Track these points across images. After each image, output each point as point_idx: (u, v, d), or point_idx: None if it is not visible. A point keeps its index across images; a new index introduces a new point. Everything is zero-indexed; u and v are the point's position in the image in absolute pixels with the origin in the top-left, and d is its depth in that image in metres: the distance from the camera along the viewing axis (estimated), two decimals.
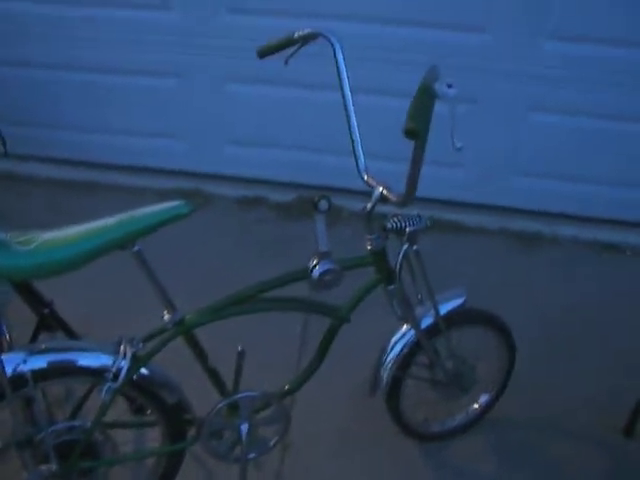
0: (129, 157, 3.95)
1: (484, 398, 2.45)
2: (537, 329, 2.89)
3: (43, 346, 1.84)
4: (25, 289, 2.23)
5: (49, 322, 2.38)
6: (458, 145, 1.37)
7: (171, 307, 1.81)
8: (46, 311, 2.30)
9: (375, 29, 3.33)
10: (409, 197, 1.69)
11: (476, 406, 2.45)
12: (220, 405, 1.97)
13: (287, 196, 3.71)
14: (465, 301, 2.15)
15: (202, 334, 1.88)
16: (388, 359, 2.12)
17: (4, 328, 2.18)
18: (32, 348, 1.83)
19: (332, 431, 2.47)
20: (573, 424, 2.52)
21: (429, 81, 1.38)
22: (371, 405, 2.28)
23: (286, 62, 2.04)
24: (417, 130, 1.32)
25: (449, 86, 1.38)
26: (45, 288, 2.21)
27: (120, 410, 2.00)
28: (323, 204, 1.75)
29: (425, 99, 1.36)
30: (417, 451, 2.40)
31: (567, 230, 3.63)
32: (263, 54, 2.04)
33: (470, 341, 2.26)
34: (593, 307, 3.10)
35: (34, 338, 2.34)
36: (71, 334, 2.37)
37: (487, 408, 2.46)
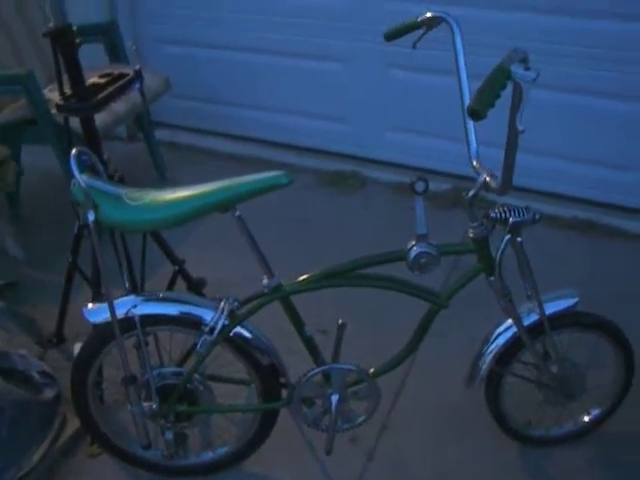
0: (293, 136, 4.15)
1: (596, 411, 2.32)
2: None
3: (154, 295, 2.02)
4: (157, 241, 2.43)
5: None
6: (520, 128, 1.35)
7: (270, 273, 1.90)
8: (176, 268, 2.49)
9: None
10: (505, 185, 1.69)
11: (586, 418, 2.33)
12: (311, 373, 2.04)
13: (442, 186, 3.70)
14: (576, 303, 2.06)
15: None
16: (487, 351, 2.08)
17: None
18: (144, 295, 2.00)
19: (435, 418, 2.46)
20: None
21: (507, 62, 1.36)
22: (480, 398, 2.25)
23: (414, 46, 2.06)
24: (478, 112, 1.32)
25: (527, 69, 1.36)
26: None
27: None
28: (420, 185, 1.76)
29: (497, 79, 1.35)
30: (516, 452, 2.33)
31: None
32: (390, 37, 2.07)
33: (585, 347, 2.18)
34: None
35: (170, 288, 2.55)
36: (196, 292, 2.55)
37: (598, 421, 2.33)
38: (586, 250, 3.33)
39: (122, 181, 2.31)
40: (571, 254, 3.29)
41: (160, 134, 4.15)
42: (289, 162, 3.97)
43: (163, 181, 3.91)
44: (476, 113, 1.33)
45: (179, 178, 3.89)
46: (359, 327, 2.47)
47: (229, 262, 3.11)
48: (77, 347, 2.13)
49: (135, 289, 2.33)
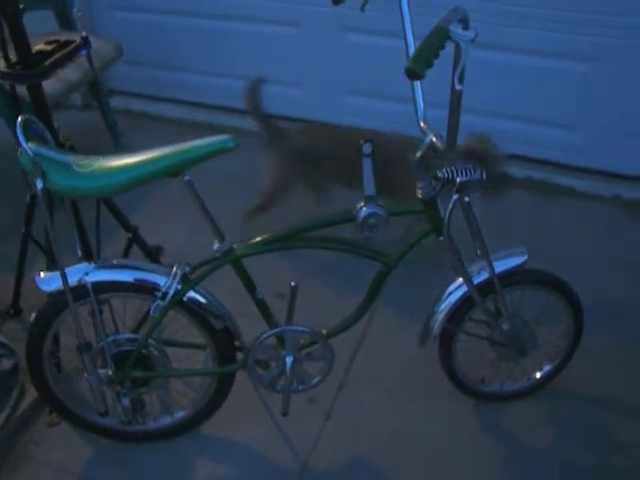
0: None
1: (547, 366, 2.38)
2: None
3: (106, 262, 2.02)
4: (110, 208, 2.41)
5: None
6: (458, 87, 1.37)
7: (221, 237, 1.91)
8: (130, 236, 2.49)
9: None
10: (450, 145, 1.70)
11: (538, 374, 2.39)
12: (265, 335, 2.07)
13: None
14: (525, 261, 2.10)
15: None
16: (439, 310, 2.12)
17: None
18: (96, 263, 2.00)
19: (391, 377, 2.51)
20: None
21: (445, 22, 1.37)
22: (434, 356, 2.28)
23: (362, 9, 2.06)
24: (416, 71, 1.33)
25: (465, 28, 1.37)
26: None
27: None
28: (367, 147, 1.78)
29: (436, 39, 1.36)
30: (471, 408, 2.38)
31: None
32: (336, 1, 2.07)
33: (535, 304, 2.22)
34: None
35: (125, 256, 2.55)
36: (152, 259, 2.55)
37: (549, 377, 2.39)
38: (538, 209, 3.37)
39: (73, 150, 2.29)
40: (522, 213, 3.32)
41: (115, 102, 4.10)
42: (246, 127, 3.89)
43: (118, 149, 3.86)
44: (413, 73, 1.34)
45: (134, 145, 3.78)
46: (314, 289, 2.50)
47: (185, 229, 3.11)
48: (34, 317, 2.13)
49: (89, 257, 2.32)
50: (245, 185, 3.56)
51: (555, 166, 3.58)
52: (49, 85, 2.34)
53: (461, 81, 1.43)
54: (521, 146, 3.61)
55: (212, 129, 3.99)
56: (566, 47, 3.27)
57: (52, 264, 2.32)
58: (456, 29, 1.37)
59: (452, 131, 1.65)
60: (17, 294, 2.74)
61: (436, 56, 1.36)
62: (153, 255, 2.61)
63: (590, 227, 3.23)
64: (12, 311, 2.77)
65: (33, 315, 2.13)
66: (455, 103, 1.56)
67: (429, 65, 1.35)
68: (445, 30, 1.38)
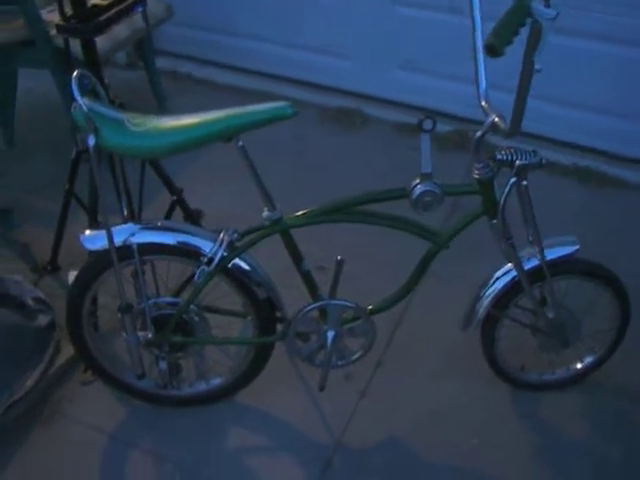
0: (297, 71, 4.05)
1: (589, 358, 2.33)
2: None
3: (152, 223, 2.00)
4: (156, 169, 2.39)
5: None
6: (537, 67, 1.32)
7: (271, 205, 1.88)
8: (174, 198, 2.46)
9: None
10: (514, 127, 1.66)
11: (579, 365, 2.35)
12: (308, 308, 2.04)
13: (444, 128, 3.63)
14: (577, 250, 2.05)
15: None
16: (486, 294, 2.08)
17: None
18: (142, 223, 1.98)
19: (429, 358, 2.48)
20: None
21: None
22: (474, 340, 2.24)
23: None
24: (496, 47, 1.28)
25: (547, 6, 1.32)
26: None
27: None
28: (427, 123, 1.73)
29: (516, 16, 1.31)
30: (509, 394, 2.35)
31: None
32: None
33: (582, 295, 2.17)
34: None
35: (167, 218, 2.52)
36: (193, 222, 2.53)
37: (590, 369, 2.35)
38: (583, 197, 3.30)
39: (122, 107, 2.26)
40: (568, 201, 3.26)
41: (160, 62, 4.03)
42: (292, 96, 3.83)
43: (162, 110, 3.82)
44: (493, 49, 1.29)
45: (178, 108, 3.80)
46: (358, 264, 2.47)
47: (227, 195, 3.09)
48: (71, 275, 2.12)
49: (132, 217, 2.30)
50: (292, 156, 3.54)
51: (603, 155, 3.50)
52: (99, 41, 2.31)
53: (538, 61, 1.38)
54: (569, 132, 3.55)
55: (258, 97, 3.92)
56: (625, 33, 3.18)
57: (94, 223, 2.31)
58: (538, 6, 1.32)
59: (519, 112, 1.59)
60: (56, 251, 2.73)
61: (516, 33, 1.32)
62: (195, 219, 2.59)
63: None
64: (50, 267, 2.77)
65: (71, 273, 2.12)
66: (526, 84, 1.51)
67: (509, 42, 1.30)
68: (526, 6, 1.32)
